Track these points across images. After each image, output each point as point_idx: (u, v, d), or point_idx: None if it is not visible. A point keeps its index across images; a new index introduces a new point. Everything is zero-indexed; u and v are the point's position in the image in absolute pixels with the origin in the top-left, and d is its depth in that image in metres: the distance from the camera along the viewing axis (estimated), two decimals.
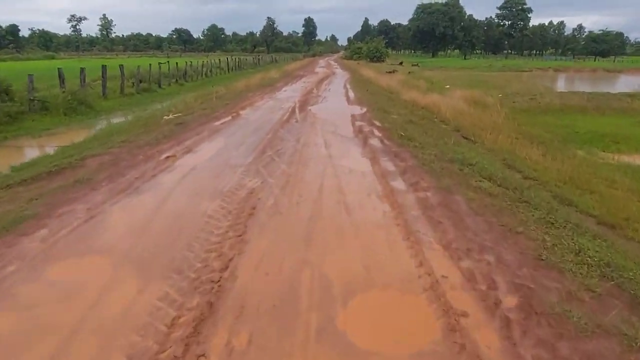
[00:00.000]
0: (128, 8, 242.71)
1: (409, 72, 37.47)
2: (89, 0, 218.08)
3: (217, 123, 10.23)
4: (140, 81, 20.50)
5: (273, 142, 8.02)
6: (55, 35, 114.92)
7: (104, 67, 17.08)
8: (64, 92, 13.82)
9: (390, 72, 34.71)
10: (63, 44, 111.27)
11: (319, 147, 7.71)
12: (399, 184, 5.50)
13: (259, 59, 57.70)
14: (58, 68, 14.51)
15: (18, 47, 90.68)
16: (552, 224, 4.59)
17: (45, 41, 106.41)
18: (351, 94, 17.55)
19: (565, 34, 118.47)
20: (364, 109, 12.63)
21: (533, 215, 4.74)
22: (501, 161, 7.87)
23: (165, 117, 12.11)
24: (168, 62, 25.78)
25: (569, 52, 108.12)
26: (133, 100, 18.18)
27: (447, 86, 26.44)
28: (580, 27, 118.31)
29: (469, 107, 14.99)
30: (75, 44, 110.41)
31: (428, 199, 4.85)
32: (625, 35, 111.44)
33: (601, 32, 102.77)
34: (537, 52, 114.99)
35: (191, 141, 8.10)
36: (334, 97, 16.83)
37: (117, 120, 13.24)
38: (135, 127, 10.19)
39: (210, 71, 33.18)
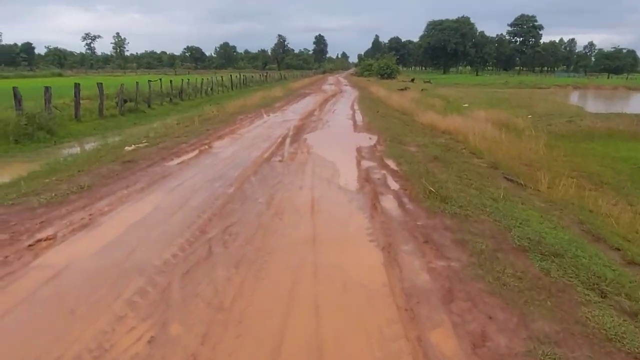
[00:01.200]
0: (142, 28, 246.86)
1: (422, 90, 35.12)
2: (105, 19, 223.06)
3: (173, 163, 7.65)
4: (126, 101, 18.31)
5: (229, 206, 5.22)
6: (71, 54, 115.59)
7: (76, 85, 14.88)
8: (19, 115, 11.63)
9: (402, 90, 32.42)
10: (77, 62, 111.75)
11: (300, 215, 4.88)
12: (446, 342, 2.68)
13: (266, 76, 55.96)
14: (13, 87, 12.28)
15: (31, 65, 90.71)
16: None
17: (59, 59, 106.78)
18: (359, 117, 15.04)
19: (576, 51, 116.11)
20: (374, 139, 10.11)
21: None
22: (577, 225, 5.36)
23: (127, 147, 9.83)
24: (160, 79, 23.72)
25: (581, 69, 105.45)
26: (112, 122, 15.94)
27: (466, 105, 23.96)
28: (591, 45, 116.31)
29: (499, 133, 12.48)
30: (89, 61, 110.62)
31: None
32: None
33: (613, 49, 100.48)
34: (549, 68, 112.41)
35: (109, 200, 5.40)
36: (339, 120, 14.30)
37: (75, 150, 10.95)
38: (77, 165, 7.78)
39: (211, 89, 31.15)
